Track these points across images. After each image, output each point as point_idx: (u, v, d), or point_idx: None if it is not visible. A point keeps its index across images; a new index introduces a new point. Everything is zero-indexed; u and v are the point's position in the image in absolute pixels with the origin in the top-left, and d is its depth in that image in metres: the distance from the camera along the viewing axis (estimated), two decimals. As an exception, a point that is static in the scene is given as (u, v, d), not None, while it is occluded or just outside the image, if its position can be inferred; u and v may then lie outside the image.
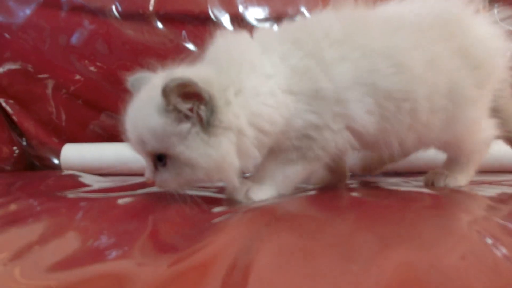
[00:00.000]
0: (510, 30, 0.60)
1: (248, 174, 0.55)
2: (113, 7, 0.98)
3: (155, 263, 0.30)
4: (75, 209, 0.46)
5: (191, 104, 0.45)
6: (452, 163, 0.64)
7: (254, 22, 0.97)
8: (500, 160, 0.81)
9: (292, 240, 0.35)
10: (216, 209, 0.46)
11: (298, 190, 0.58)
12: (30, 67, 1.03)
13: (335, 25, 0.53)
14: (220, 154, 0.46)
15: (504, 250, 0.31)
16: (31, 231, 0.37)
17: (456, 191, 0.58)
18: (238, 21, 0.96)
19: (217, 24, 0.95)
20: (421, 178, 0.70)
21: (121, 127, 0.50)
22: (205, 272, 0.29)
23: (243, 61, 0.50)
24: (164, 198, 0.47)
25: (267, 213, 0.43)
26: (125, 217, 0.42)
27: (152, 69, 0.52)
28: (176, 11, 0.97)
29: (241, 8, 0.98)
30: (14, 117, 1.06)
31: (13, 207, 0.46)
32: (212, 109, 0.45)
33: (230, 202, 0.51)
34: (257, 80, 0.49)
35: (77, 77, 1.03)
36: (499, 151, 0.67)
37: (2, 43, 1.02)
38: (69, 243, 0.35)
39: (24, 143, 1.06)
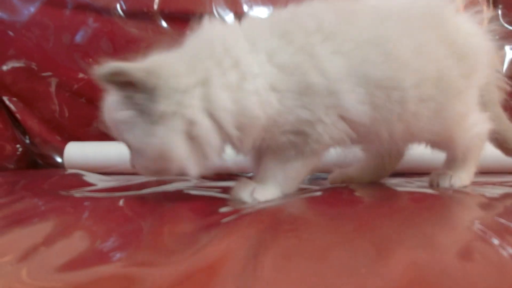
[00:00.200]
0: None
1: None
2: (118, 6, 0.98)
3: (164, 264, 0.30)
4: (81, 208, 0.46)
5: (127, 92, 0.44)
6: (451, 161, 0.65)
7: (258, 22, 0.96)
8: (501, 161, 0.80)
9: (299, 241, 0.35)
10: (222, 210, 0.46)
11: (303, 191, 0.58)
12: (33, 65, 1.02)
13: (328, 17, 0.53)
14: (161, 143, 0.45)
15: (510, 250, 0.31)
16: (38, 231, 0.37)
17: (459, 192, 0.58)
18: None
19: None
20: (424, 178, 0.70)
21: None
22: (214, 273, 0.29)
23: (225, 57, 0.48)
24: (170, 198, 0.47)
25: (273, 214, 0.42)
26: (131, 217, 0.42)
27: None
28: (180, 10, 0.97)
29: (245, 8, 0.98)
30: (18, 115, 1.06)
31: (18, 206, 0.46)
32: (152, 98, 0.44)
33: (236, 202, 0.51)
34: (234, 77, 0.47)
35: (81, 75, 1.03)
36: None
37: (6, 41, 1.01)
38: (76, 243, 0.34)
39: (27, 141, 1.06)
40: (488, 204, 0.51)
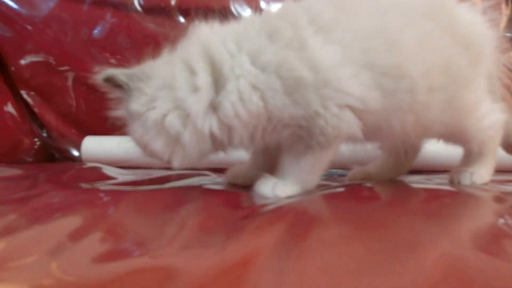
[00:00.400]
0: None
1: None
2: (135, 1, 0.99)
3: (199, 256, 0.30)
4: (108, 201, 0.46)
5: (119, 94, 0.53)
6: (469, 157, 0.64)
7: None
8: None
9: (329, 236, 0.35)
10: (248, 204, 0.46)
11: (324, 187, 0.58)
12: (51, 60, 1.03)
13: (324, 11, 0.53)
14: (139, 137, 0.52)
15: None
16: (68, 223, 0.37)
17: (479, 189, 0.58)
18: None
19: (239, 19, 0.95)
20: (442, 176, 0.70)
21: None
22: (248, 266, 0.29)
23: (202, 59, 0.50)
24: (194, 192, 0.48)
25: (301, 209, 0.43)
26: (160, 210, 0.42)
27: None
28: (198, 6, 0.97)
29: (263, 4, 0.98)
30: (35, 109, 1.07)
31: (45, 199, 0.47)
32: (130, 98, 0.51)
33: (258, 197, 0.51)
34: (198, 82, 0.50)
35: (98, 69, 1.04)
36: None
37: (24, 35, 1.02)
38: (108, 236, 0.35)
39: (45, 134, 1.08)
40: (508, 201, 0.51)
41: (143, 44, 1.00)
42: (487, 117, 0.61)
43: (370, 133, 0.55)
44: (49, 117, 1.07)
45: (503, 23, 1.01)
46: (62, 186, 0.56)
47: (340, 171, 0.85)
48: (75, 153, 1.07)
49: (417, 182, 0.67)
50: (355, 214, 0.43)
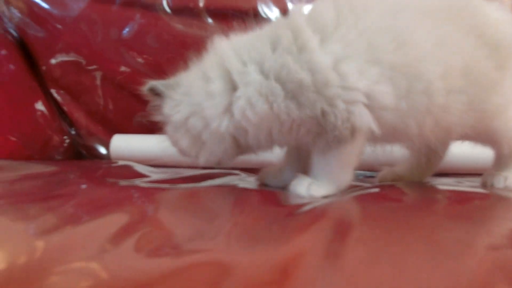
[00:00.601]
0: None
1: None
2: (164, 2, 1.00)
3: (249, 253, 0.31)
4: (151, 198, 0.47)
5: (159, 101, 0.59)
6: (500, 160, 0.64)
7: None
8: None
9: (371, 236, 0.36)
10: (287, 203, 0.47)
11: (357, 188, 0.58)
12: (81, 59, 1.06)
13: (325, 12, 0.54)
14: (170, 137, 0.59)
15: None
16: (116, 220, 0.38)
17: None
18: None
19: (266, 20, 0.96)
20: (473, 179, 0.70)
21: None
22: (298, 264, 0.30)
23: (210, 69, 0.56)
24: (231, 191, 0.49)
25: (342, 208, 0.43)
26: (203, 208, 0.43)
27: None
28: (226, 7, 0.98)
29: (290, 5, 0.99)
30: (65, 107, 1.09)
31: (89, 195, 0.48)
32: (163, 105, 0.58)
33: (294, 197, 0.52)
34: (212, 88, 0.54)
35: (123, 68, 1.05)
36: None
37: (56, 35, 1.05)
38: (158, 231, 0.36)
39: (73, 132, 1.10)
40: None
41: (171, 45, 1.01)
42: None
43: (388, 133, 0.55)
44: (78, 115, 1.10)
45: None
46: (101, 183, 0.58)
47: (367, 173, 0.85)
48: (103, 151, 1.09)
49: (448, 184, 0.67)
50: (393, 214, 0.43)
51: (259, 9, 0.97)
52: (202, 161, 0.58)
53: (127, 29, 1.02)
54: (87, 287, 0.28)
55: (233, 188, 0.54)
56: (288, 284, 0.28)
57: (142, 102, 1.07)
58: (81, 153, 1.11)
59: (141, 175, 0.69)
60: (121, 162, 0.82)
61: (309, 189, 0.53)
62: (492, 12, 0.58)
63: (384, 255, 0.32)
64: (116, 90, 1.07)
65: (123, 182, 0.58)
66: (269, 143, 0.57)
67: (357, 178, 0.78)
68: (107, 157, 1.07)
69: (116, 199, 0.46)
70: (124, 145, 0.99)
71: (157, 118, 0.60)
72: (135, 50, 1.04)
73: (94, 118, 1.10)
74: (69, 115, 1.09)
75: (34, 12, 1.05)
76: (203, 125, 0.55)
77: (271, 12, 0.97)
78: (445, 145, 0.69)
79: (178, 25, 1.01)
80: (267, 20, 0.96)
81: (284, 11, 0.97)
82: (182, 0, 1.00)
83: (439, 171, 0.73)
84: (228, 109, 0.54)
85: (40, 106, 1.04)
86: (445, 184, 0.68)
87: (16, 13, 1.06)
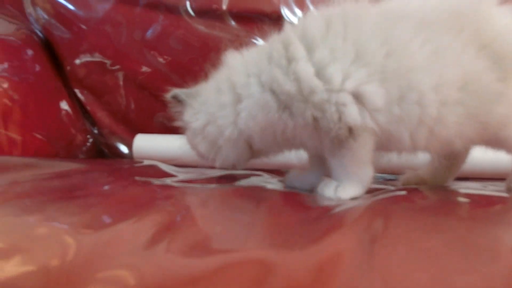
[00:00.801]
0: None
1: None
2: (187, 4, 1.02)
3: (289, 253, 0.32)
4: (186, 198, 0.48)
5: (181, 108, 0.64)
6: None
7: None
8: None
9: (408, 237, 0.37)
10: (316, 205, 0.47)
11: (382, 191, 0.59)
12: (105, 59, 1.08)
13: (315, 24, 0.55)
14: (189, 141, 0.64)
15: None
16: (157, 218, 0.38)
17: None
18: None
19: (289, 23, 0.96)
20: (496, 183, 0.70)
21: None
22: (337, 264, 0.31)
23: (222, 81, 0.60)
24: (261, 192, 0.50)
25: (372, 209, 0.44)
26: (237, 208, 0.44)
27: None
28: (249, 10, 0.99)
29: (311, 7, 0.99)
30: (88, 107, 1.11)
31: (124, 194, 0.49)
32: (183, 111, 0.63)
33: (322, 198, 0.53)
34: (223, 100, 0.59)
35: (144, 68, 1.07)
36: None
37: (80, 36, 1.07)
38: (198, 230, 0.37)
39: (96, 131, 1.12)
40: None
41: (193, 46, 1.03)
42: None
43: (386, 138, 0.55)
44: (101, 115, 1.12)
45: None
46: (133, 182, 0.59)
47: (387, 176, 0.85)
48: (124, 149, 1.11)
49: (473, 188, 0.67)
50: (422, 217, 0.44)
51: (282, 12, 0.98)
52: (218, 164, 0.62)
53: (150, 31, 1.04)
54: (133, 286, 0.29)
55: (261, 190, 0.55)
56: (330, 283, 0.29)
57: (162, 102, 1.10)
58: (103, 152, 1.13)
59: (169, 175, 0.70)
60: (146, 162, 0.84)
61: (336, 191, 0.54)
62: (500, 19, 0.56)
63: (419, 256, 0.33)
64: (137, 90, 1.09)
65: (156, 181, 0.59)
66: (278, 149, 0.61)
67: (377, 180, 0.78)
68: (128, 156, 1.09)
69: (153, 198, 0.47)
70: (147, 144, 1.01)
71: (178, 123, 0.65)
72: (156, 51, 1.05)
73: (116, 117, 1.12)
74: (92, 115, 1.11)
75: (60, 14, 1.07)
76: (218, 133, 0.59)
77: (294, 15, 0.98)
78: (465, 150, 0.68)
79: (201, 27, 1.02)
80: (289, 23, 0.96)
81: (306, 13, 0.98)
82: (205, 2, 1.01)
83: (463, 175, 0.73)
84: (236, 119, 0.58)
85: (64, 105, 1.07)
86: (469, 188, 0.69)
87: (42, 15, 1.08)
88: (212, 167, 0.78)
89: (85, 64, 1.09)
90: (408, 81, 0.52)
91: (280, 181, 0.68)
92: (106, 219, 0.40)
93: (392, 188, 0.63)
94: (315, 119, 0.53)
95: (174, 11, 1.03)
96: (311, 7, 0.99)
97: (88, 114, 1.12)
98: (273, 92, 0.54)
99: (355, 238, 0.35)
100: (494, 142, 0.59)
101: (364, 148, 0.55)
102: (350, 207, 0.45)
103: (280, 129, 0.56)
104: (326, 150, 0.56)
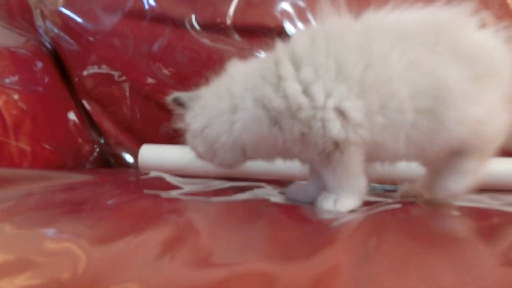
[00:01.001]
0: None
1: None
2: (193, 18, 1.04)
3: (290, 265, 0.34)
4: (192, 211, 0.51)
5: (182, 110, 0.66)
6: None
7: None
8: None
9: (401, 249, 0.39)
10: (314, 218, 0.49)
11: (378, 204, 0.61)
12: (112, 71, 1.10)
13: (301, 42, 0.58)
14: (189, 142, 0.66)
15: None
16: (163, 232, 0.40)
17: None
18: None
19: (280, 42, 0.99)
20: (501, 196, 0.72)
21: None
22: (335, 276, 0.33)
23: (222, 89, 0.63)
24: (264, 206, 0.52)
25: (367, 224, 0.46)
26: (239, 222, 0.47)
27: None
28: (253, 24, 1.02)
29: (313, 22, 1.02)
30: (95, 118, 1.14)
31: (133, 207, 0.51)
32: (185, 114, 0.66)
33: (321, 212, 0.55)
34: (221, 106, 0.62)
35: (150, 80, 1.10)
36: None
37: (88, 48, 1.10)
38: (202, 243, 0.39)
39: (102, 141, 1.14)
40: None
41: (197, 59, 1.05)
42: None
43: (374, 149, 0.57)
44: (107, 125, 1.14)
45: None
46: (141, 195, 0.61)
47: (387, 186, 0.87)
48: (129, 159, 1.14)
49: (471, 201, 0.69)
50: (415, 229, 0.46)
51: (285, 26, 1.01)
52: (215, 164, 0.66)
53: (156, 44, 1.07)
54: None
55: (264, 202, 0.57)
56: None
57: (167, 112, 1.12)
58: (109, 162, 1.16)
59: (175, 187, 0.73)
60: (153, 173, 0.86)
61: (335, 205, 0.57)
62: (473, 32, 0.58)
63: (411, 267, 0.35)
64: (143, 101, 1.12)
65: (164, 194, 0.62)
66: (272, 158, 0.64)
67: (377, 192, 0.80)
68: (133, 166, 1.11)
69: (158, 212, 0.49)
70: (152, 154, 1.03)
71: (179, 125, 0.67)
72: (162, 63, 1.08)
73: (122, 127, 1.14)
74: (99, 125, 1.14)
75: (68, 26, 1.10)
76: (215, 137, 0.62)
77: (297, 29, 1.01)
78: (454, 164, 0.65)
79: (205, 40, 1.05)
80: (281, 41, 0.99)
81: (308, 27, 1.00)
82: (210, 16, 1.04)
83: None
84: (231, 128, 0.61)
85: (72, 116, 1.09)
86: (469, 200, 0.70)
87: (51, 27, 1.12)
88: (220, 178, 0.81)
89: (93, 76, 1.11)
90: (387, 90, 0.55)
91: (281, 193, 0.70)
92: (116, 232, 0.42)
93: (390, 200, 0.65)
94: (302, 134, 0.56)
95: (180, 25, 1.06)
96: (312, 21, 1.01)
97: (95, 125, 1.14)
98: (264, 107, 0.57)
99: (352, 251, 0.37)
100: (468, 147, 0.59)
101: (352, 160, 0.58)
102: (348, 221, 0.47)
103: (271, 142, 0.59)
104: (317, 163, 0.59)
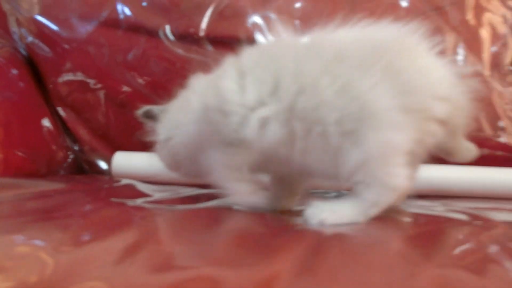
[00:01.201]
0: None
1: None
2: (167, 29, 1.07)
3: (236, 270, 0.37)
4: (154, 218, 0.53)
5: (153, 123, 0.69)
6: None
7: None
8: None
9: (341, 255, 0.42)
10: (273, 224, 0.53)
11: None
12: (87, 78, 1.12)
13: (249, 56, 0.61)
14: (157, 154, 0.68)
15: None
16: (125, 238, 0.43)
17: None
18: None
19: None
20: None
21: None
22: (276, 280, 0.36)
23: (182, 104, 0.65)
24: (225, 213, 0.55)
25: (316, 231, 0.50)
26: (199, 229, 0.49)
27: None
28: (225, 35, 1.05)
29: (283, 33, 1.05)
30: (69, 124, 1.15)
31: (100, 215, 0.54)
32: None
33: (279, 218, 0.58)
34: (181, 119, 0.64)
35: (126, 88, 1.12)
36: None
37: (63, 55, 1.11)
38: (160, 249, 0.42)
39: (76, 148, 1.16)
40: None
41: (171, 68, 1.08)
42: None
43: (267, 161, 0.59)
44: (82, 132, 1.15)
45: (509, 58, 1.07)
46: (108, 203, 0.64)
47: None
48: (104, 166, 1.15)
49: (421, 207, 0.74)
50: (357, 237, 0.50)
51: (256, 37, 1.04)
52: (182, 175, 0.69)
53: (131, 53, 1.09)
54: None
55: (227, 210, 0.60)
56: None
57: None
58: (83, 168, 1.17)
59: (144, 195, 0.75)
60: (124, 181, 0.88)
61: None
62: (421, 57, 0.56)
63: (348, 272, 0.38)
64: (118, 109, 1.13)
65: (131, 203, 0.64)
66: None
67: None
68: (108, 172, 1.13)
69: (123, 219, 0.52)
70: (125, 162, 1.05)
71: (151, 137, 0.70)
72: (137, 72, 1.10)
73: (97, 134, 1.16)
74: (73, 132, 1.15)
75: (44, 34, 1.11)
76: (176, 149, 0.64)
77: (267, 40, 1.04)
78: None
79: (179, 50, 1.07)
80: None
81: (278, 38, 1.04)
82: (184, 27, 1.07)
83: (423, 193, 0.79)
84: (188, 139, 0.63)
85: (46, 122, 1.10)
86: (423, 207, 0.75)
87: (26, 34, 1.13)
88: (190, 185, 0.84)
89: (68, 83, 1.13)
90: (315, 116, 0.54)
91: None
92: (81, 239, 0.45)
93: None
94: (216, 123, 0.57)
95: (155, 35, 1.08)
96: (282, 33, 1.05)
97: (69, 131, 1.15)
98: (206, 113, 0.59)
99: (297, 256, 0.40)
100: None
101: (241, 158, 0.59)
102: (302, 230, 0.51)
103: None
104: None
